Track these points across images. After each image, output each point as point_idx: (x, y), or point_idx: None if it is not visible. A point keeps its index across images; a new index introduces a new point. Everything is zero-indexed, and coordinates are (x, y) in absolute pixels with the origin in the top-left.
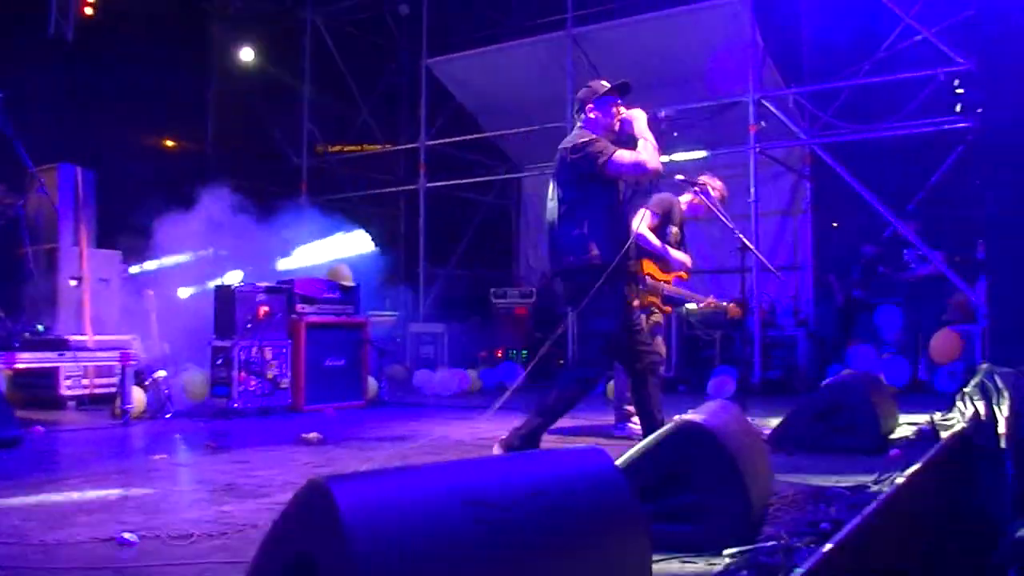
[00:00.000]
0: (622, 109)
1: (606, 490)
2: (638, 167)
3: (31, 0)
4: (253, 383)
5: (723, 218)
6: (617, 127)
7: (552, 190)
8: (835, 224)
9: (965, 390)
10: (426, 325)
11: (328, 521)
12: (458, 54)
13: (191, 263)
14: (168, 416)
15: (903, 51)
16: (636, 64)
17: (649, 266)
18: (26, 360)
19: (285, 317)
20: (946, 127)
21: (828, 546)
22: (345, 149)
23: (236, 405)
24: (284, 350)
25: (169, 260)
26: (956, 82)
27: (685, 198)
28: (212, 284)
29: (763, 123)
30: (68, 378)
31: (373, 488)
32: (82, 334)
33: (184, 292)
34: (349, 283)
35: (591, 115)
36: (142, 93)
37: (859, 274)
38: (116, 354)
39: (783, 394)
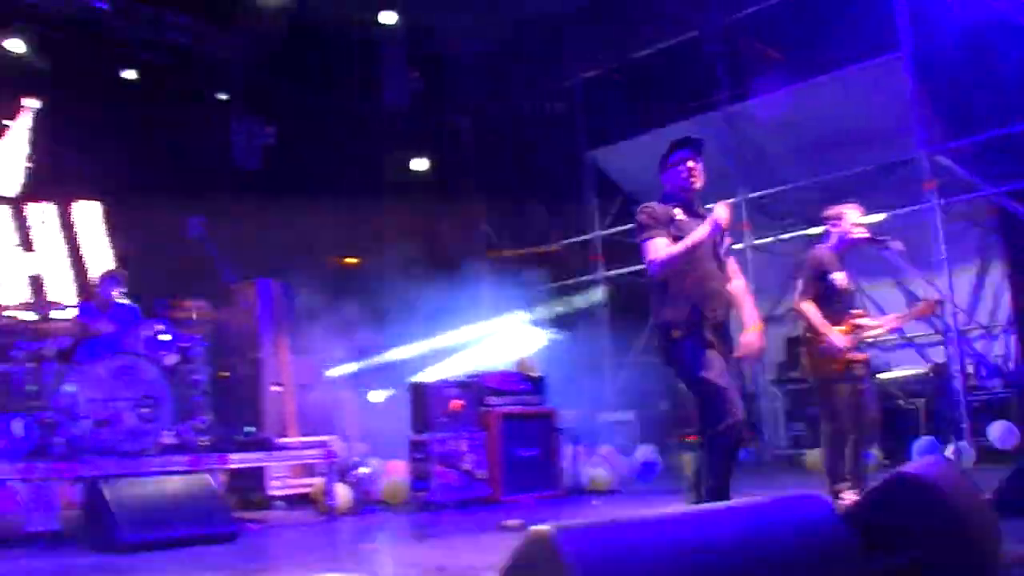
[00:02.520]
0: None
1: (827, 538)
2: (648, 264)
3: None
4: (451, 476)
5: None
6: (696, 185)
7: None
8: None
9: None
10: (616, 413)
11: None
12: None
13: (386, 364)
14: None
15: None
16: (801, 130)
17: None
18: (236, 460)
19: (475, 409)
20: None
21: None
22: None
23: (435, 498)
24: (477, 442)
25: (365, 363)
26: None
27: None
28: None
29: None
30: (275, 478)
31: (597, 536)
32: (286, 435)
33: (375, 396)
34: (536, 374)
35: (664, 181)
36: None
37: None
38: (319, 452)
39: (1006, 462)
